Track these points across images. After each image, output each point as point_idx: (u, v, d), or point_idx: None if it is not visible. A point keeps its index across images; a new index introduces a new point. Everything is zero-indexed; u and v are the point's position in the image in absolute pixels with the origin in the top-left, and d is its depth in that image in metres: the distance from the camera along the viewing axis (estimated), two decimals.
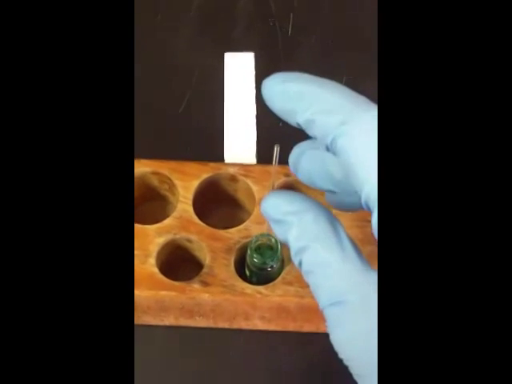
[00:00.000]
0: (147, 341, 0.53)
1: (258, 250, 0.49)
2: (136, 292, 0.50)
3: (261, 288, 0.50)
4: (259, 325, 0.53)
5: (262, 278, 0.50)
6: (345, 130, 0.30)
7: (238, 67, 0.65)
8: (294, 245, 0.31)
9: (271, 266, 0.49)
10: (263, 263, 0.49)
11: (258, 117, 0.62)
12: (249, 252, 0.49)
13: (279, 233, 0.32)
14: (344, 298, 0.30)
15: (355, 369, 0.30)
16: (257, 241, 0.49)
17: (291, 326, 0.53)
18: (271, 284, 0.50)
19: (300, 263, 0.31)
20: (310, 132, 0.31)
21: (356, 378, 0.30)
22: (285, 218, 0.32)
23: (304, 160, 0.34)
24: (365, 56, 0.62)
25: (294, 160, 0.35)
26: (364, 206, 0.30)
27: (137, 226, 0.52)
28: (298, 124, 0.31)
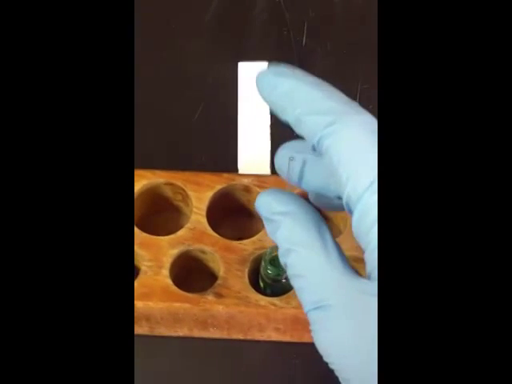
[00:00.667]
0: (161, 352, 0.53)
1: (273, 261, 0.49)
2: (149, 303, 0.50)
3: (275, 300, 0.50)
4: (273, 336, 0.53)
5: (276, 289, 0.50)
6: (331, 131, 0.30)
7: (252, 77, 0.64)
8: (280, 246, 0.32)
9: (285, 278, 0.49)
10: (277, 275, 0.49)
11: (272, 127, 0.62)
12: (263, 264, 0.49)
13: (269, 231, 0.32)
14: (326, 302, 0.30)
15: (340, 372, 0.30)
16: (271, 252, 0.49)
17: (306, 337, 0.53)
18: (285, 296, 0.50)
19: (285, 265, 0.32)
20: (297, 131, 0.31)
21: (342, 381, 0.30)
22: (274, 217, 0.32)
23: (308, 173, 0.34)
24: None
25: (293, 167, 0.34)
26: (345, 207, 0.30)
27: (150, 237, 0.52)
28: (287, 121, 0.31)
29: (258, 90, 0.32)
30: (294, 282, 0.31)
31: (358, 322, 0.29)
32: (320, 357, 0.53)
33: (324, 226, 0.31)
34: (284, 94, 0.31)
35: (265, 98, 0.32)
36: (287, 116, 0.31)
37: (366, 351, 0.29)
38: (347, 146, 0.29)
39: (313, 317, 0.30)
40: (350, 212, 0.30)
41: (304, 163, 0.34)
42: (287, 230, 0.31)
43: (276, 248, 0.49)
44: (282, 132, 0.62)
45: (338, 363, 0.30)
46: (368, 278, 0.30)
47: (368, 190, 0.29)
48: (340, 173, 0.30)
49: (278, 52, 0.66)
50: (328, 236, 0.31)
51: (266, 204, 0.32)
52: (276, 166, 0.35)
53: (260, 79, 0.32)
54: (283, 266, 0.32)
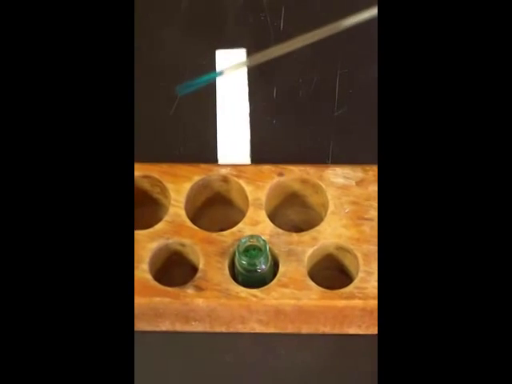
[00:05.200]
0: (143, 347, 0.52)
1: (247, 252, 0.48)
2: None
3: (256, 291, 0.49)
4: (257, 328, 0.52)
5: (252, 280, 0.49)
6: None
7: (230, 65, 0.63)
8: None
9: (261, 268, 0.48)
10: (253, 265, 0.48)
11: (250, 115, 0.61)
12: (237, 255, 0.48)
13: None
14: None
15: None
16: (245, 242, 0.48)
17: (289, 328, 0.52)
18: (266, 287, 0.49)
19: None
20: None
21: None
22: None
23: None
24: (357, 49, 0.61)
25: None
26: None
27: None
28: None
29: None
30: None
31: None
32: (305, 347, 0.52)
33: None
34: None
35: None
36: None
37: None
38: None
39: None
40: None
41: None
42: None
43: (251, 237, 0.48)
44: (261, 120, 0.62)
45: None
46: None
47: None
48: None
49: (256, 38, 0.65)
50: None
51: None
52: None
53: None
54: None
